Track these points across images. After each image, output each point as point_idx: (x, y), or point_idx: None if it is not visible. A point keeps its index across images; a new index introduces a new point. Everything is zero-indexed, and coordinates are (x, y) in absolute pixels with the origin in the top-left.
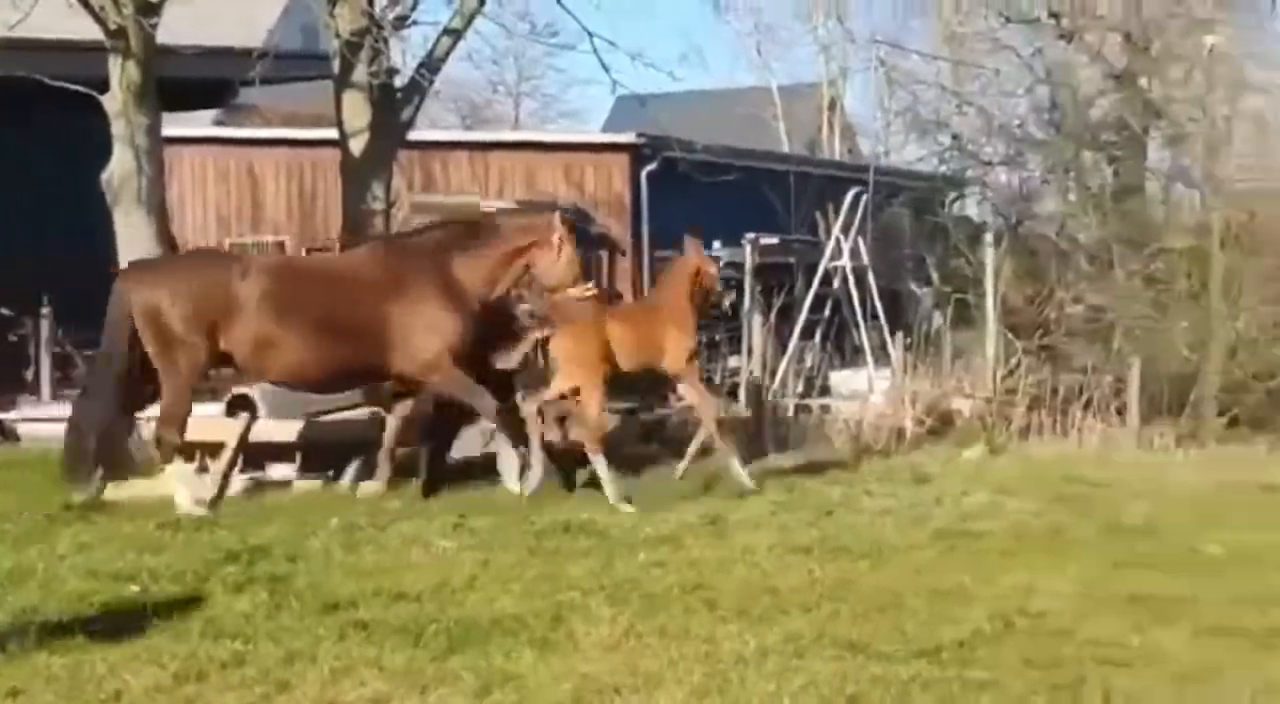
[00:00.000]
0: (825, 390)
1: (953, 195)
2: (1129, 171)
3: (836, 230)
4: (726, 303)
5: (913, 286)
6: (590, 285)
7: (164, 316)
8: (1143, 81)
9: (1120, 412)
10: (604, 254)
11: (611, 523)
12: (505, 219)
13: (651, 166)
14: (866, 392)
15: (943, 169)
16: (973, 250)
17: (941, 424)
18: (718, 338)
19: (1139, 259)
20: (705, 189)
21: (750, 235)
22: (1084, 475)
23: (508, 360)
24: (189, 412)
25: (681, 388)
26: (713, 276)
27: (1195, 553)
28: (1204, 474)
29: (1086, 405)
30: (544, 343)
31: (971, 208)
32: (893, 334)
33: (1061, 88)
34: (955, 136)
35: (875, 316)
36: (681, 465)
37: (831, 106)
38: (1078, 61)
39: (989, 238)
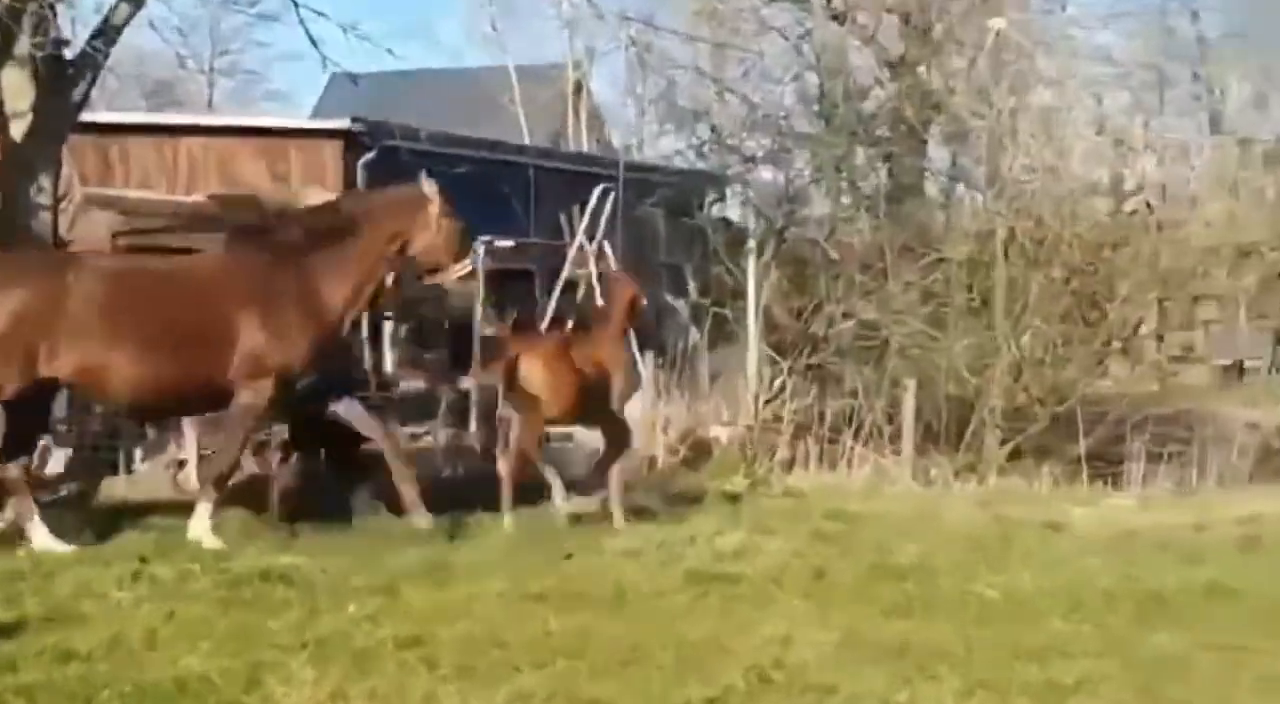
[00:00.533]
0: None
1: (712, 195)
2: (906, 171)
3: (580, 233)
4: None
5: (667, 298)
6: (469, 262)
7: None
8: (921, 70)
9: (894, 440)
10: None
11: (317, 570)
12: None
13: (369, 156)
14: None
15: (701, 165)
16: (734, 258)
17: (697, 454)
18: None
19: (916, 269)
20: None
21: (483, 238)
22: (852, 511)
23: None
24: None
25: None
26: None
27: (970, 597)
28: (982, 510)
29: (857, 433)
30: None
31: (733, 209)
32: (643, 352)
33: (832, 75)
34: (714, 128)
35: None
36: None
37: (577, 91)
38: (850, 46)
39: (751, 244)
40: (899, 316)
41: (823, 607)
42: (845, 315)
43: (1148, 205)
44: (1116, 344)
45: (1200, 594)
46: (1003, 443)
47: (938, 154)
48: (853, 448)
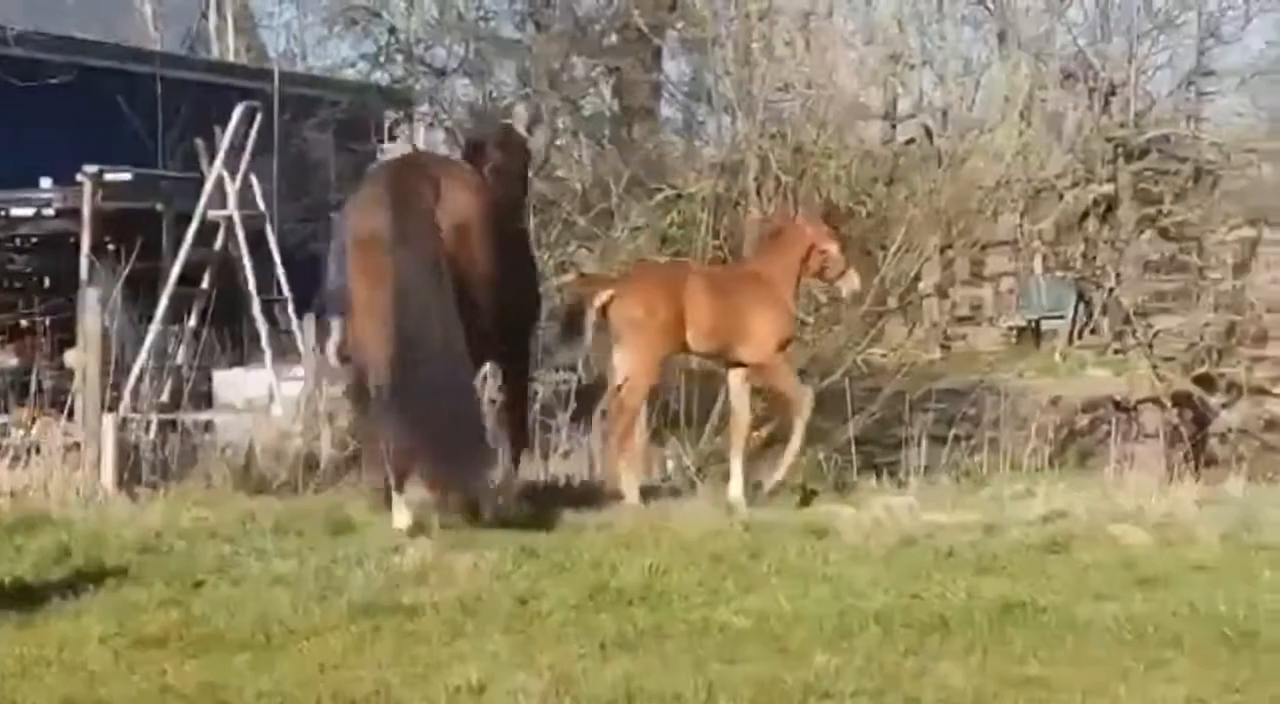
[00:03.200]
0: (206, 400)
1: (394, 117)
2: (635, 89)
3: (219, 164)
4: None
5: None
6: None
7: None
8: None
9: None
10: None
11: None
12: None
13: None
14: (266, 401)
15: (379, 78)
16: None
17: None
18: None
19: (648, 209)
20: (26, 98)
21: (91, 169)
22: (568, 518)
23: None
24: None
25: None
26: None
27: (712, 626)
28: (729, 513)
29: (575, 416)
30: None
31: (421, 134)
32: (302, 317)
33: None
34: (395, 32)
35: (279, 290)
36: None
37: None
38: None
39: None
40: (626, 268)
41: (527, 643)
42: (560, 268)
43: (926, 132)
44: (892, 302)
45: (993, 613)
46: (757, 425)
47: (675, 68)
48: (569, 435)
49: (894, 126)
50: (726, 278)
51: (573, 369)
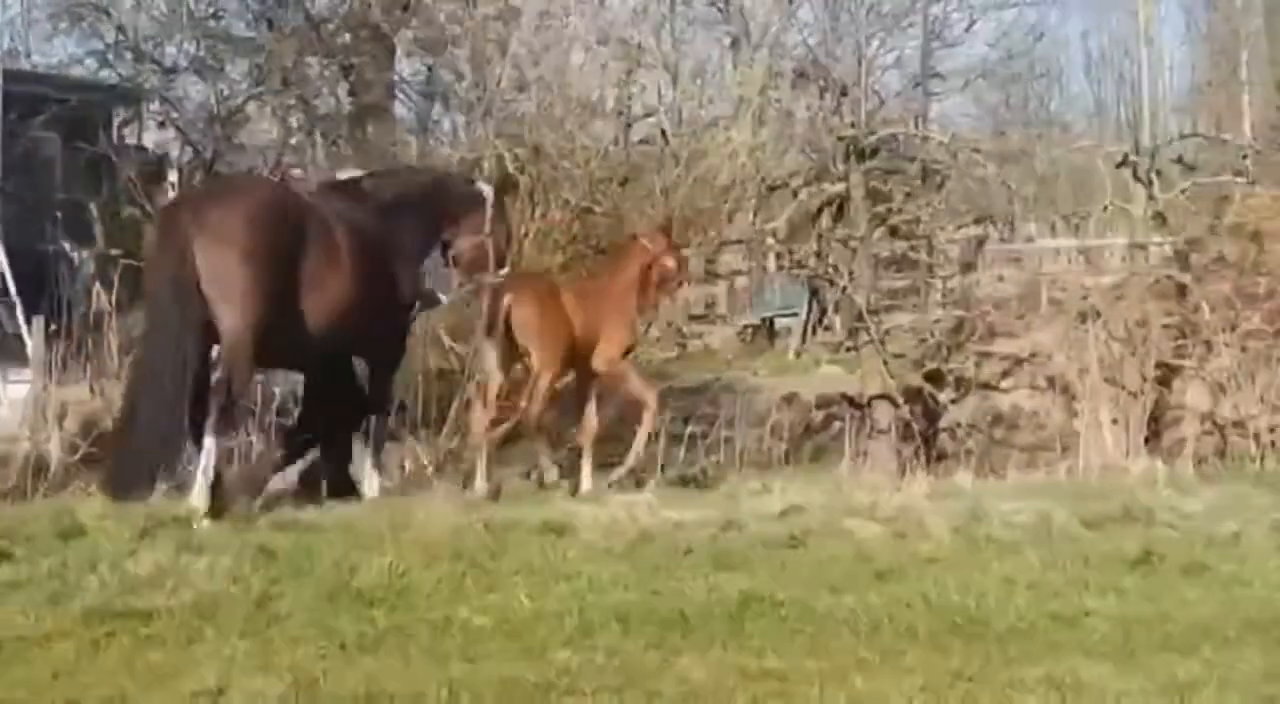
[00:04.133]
0: None
1: (122, 116)
2: (370, 87)
3: None
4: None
5: (65, 247)
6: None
7: None
8: None
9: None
10: None
11: None
12: None
13: None
14: None
15: (107, 76)
16: (151, 195)
17: (106, 450)
18: None
19: None
20: None
21: None
22: (307, 520)
23: None
24: None
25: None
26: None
27: (454, 625)
28: (468, 512)
29: None
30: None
31: (150, 133)
32: (30, 318)
33: None
34: (123, 29)
35: (4, 291)
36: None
37: None
38: None
39: (173, 177)
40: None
41: (266, 645)
42: None
43: (662, 133)
44: None
45: (732, 608)
46: (492, 424)
47: (410, 66)
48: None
49: (629, 126)
50: (584, 290)
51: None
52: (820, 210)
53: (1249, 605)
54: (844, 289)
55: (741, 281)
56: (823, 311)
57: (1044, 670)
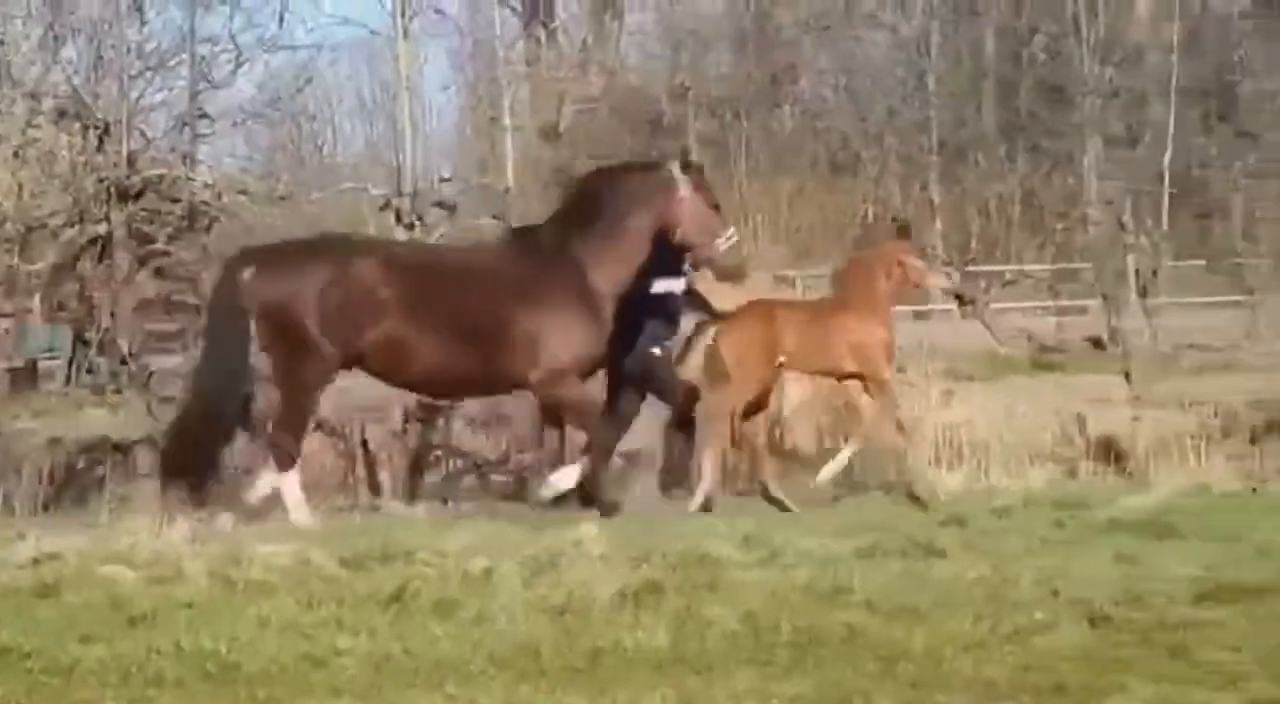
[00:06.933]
0: None
1: None
2: None
3: None
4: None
5: None
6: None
7: None
8: None
9: None
10: None
11: None
12: None
13: None
14: None
15: None
16: None
17: None
18: None
19: None
20: None
21: None
22: None
23: None
24: None
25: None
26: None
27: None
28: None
29: None
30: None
31: None
32: None
33: None
34: None
35: None
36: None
37: None
38: None
39: None
40: None
41: None
42: None
43: None
44: None
45: None
46: None
47: None
48: None
49: None
50: None
51: None
52: (81, 252)
53: (493, 640)
54: (107, 331)
55: (3, 323)
56: (87, 354)
57: None
